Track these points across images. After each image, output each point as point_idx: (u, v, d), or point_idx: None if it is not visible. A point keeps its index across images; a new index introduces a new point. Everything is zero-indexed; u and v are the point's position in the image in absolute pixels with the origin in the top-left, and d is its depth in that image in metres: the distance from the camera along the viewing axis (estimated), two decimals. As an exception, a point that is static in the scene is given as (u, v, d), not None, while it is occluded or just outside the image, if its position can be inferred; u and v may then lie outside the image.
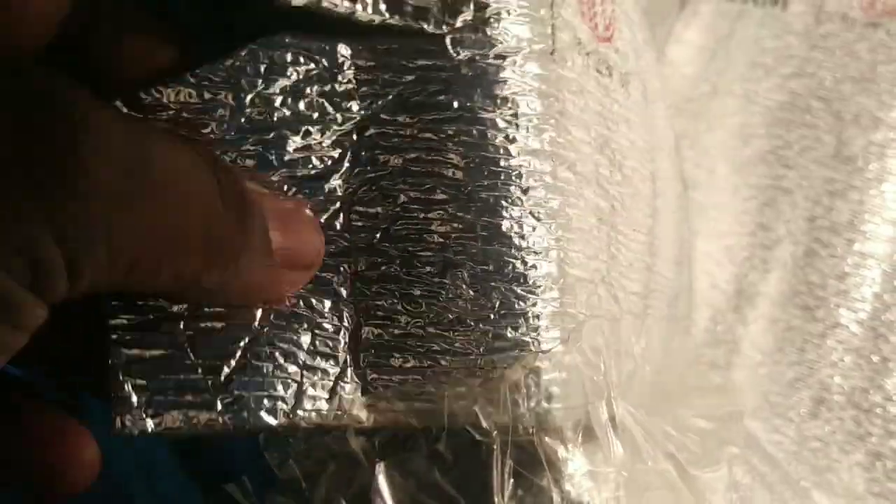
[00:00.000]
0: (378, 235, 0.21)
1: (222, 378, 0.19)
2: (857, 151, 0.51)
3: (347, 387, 0.20)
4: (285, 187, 0.20)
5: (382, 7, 0.21)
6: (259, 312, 0.20)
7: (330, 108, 0.21)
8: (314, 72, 0.21)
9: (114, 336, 0.18)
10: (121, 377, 0.18)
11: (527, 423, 0.20)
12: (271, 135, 0.20)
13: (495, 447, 0.19)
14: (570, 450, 0.19)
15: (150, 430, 0.18)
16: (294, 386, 0.20)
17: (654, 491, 0.20)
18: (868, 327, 0.50)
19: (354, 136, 0.21)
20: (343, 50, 0.21)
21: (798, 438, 0.51)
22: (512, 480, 0.19)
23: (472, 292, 0.21)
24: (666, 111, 0.33)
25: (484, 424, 0.19)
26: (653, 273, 0.29)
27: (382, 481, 0.18)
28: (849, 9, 0.53)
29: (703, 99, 0.56)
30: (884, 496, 0.49)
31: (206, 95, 0.20)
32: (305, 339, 0.20)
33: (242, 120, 0.20)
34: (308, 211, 0.20)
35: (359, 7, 0.20)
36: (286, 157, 0.20)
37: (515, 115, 0.22)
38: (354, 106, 0.21)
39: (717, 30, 0.56)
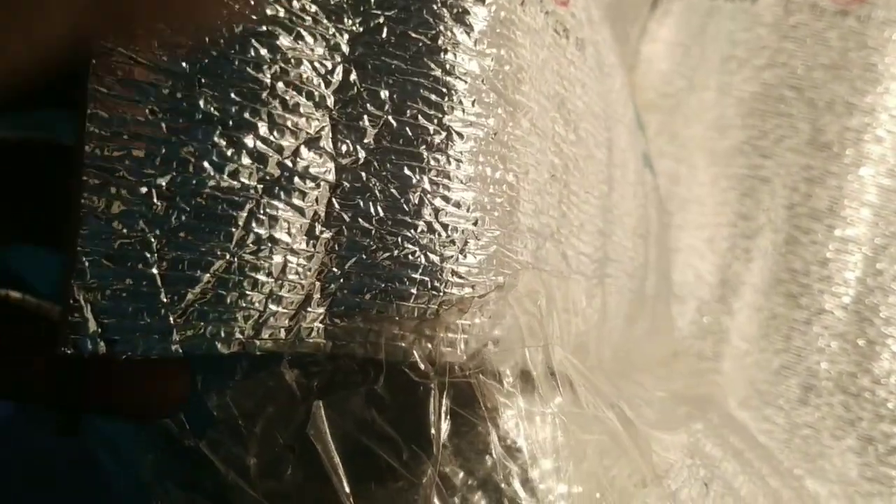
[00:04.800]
0: (361, 157, 0.21)
1: (183, 305, 0.19)
2: (833, 138, 0.51)
3: (309, 316, 0.20)
4: (279, 83, 0.20)
5: None
6: (237, 231, 0.19)
7: (323, 17, 0.20)
8: None
9: (81, 260, 0.18)
10: (80, 298, 0.17)
11: (463, 364, 0.20)
12: (262, 28, 0.20)
13: (433, 387, 0.19)
14: (506, 391, 0.20)
15: (100, 352, 0.18)
16: (255, 315, 0.19)
17: (592, 435, 0.21)
18: (852, 311, 0.50)
19: (346, 50, 0.21)
20: None
21: (788, 426, 0.50)
22: (449, 419, 0.19)
23: (441, 230, 0.21)
24: (624, 88, 0.34)
25: (420, 365, 0.19)
26: (608, 239, 0.29)
27: (320, 418, 0.18)
28: (817, -3, 0.53)
29: (679, 94, 0.56)
30: (877, 480, 0.48)
31: None
32: (277, 265, 0.20)
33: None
34: None
35: None
36: (277, 55, 0.20)
37: (492, 60, 0.22)
38: (346, 20, 0.21)
39: (690, 26, 0.57)
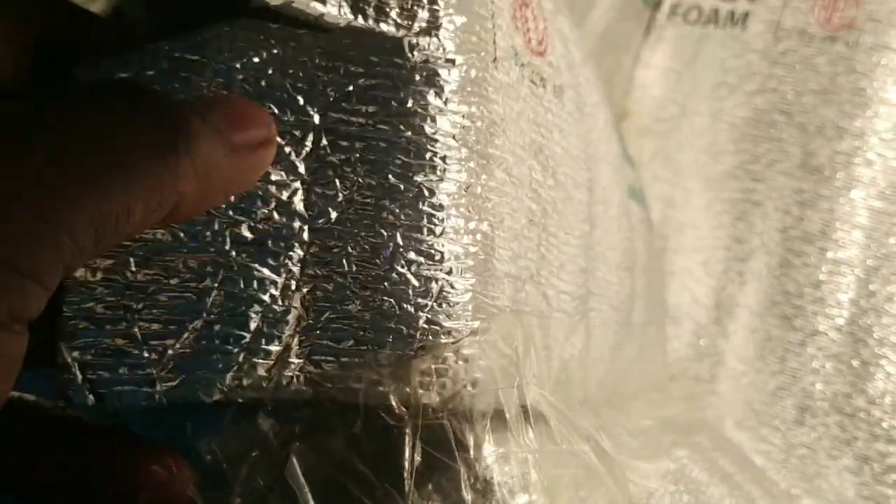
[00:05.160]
0: (333, 217, 0.22)
1: (164, 360, 0.20)
2: (824, 161, 0.52)
3: (288, 365, 0.21)
4: None
5: (347, 10, 0.22)
6: (208, 296, 0.21)
7: (292, 91, 0.22)
8: (279, 55, 0.22)
9: (67, 324, 0.19)
10: (68, 358, 0.19)
11: (437, 406, 0.21)
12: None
13: (406, 429, 0.20)
14: (478, 431, 0.21)
15: (90, 404, 0.19)
16: (235, 367, 0.21)
17: (567, 469, 0.22)
18: (846, 333, 0.50)
19: (317, 119, 0.22)
20: (308, 38, 0.22)
21: (785, 446, 0.51)
22: (421, 459, 0.20)
23: (415, 281, 0.22)
24: (608, 126, 0.35)
25: (396, 409, 0.20)
26: (591, 276, 0.30)
27: (296, 462, 0.19)
28: (806, 25, 0.54)
29: (673, 120, 0.58)
30: (874, 499, 0.49)
31: (174, 66, 0.21)
32: (253, 323, 0.21)
33: (204, 91, 0.21)
34: (243, 97, 0.21)
35: (327, 9, 0.22)
36: None
37: (462, 116, 0.24)
38: (318, 89, 0.22)
39: (682, 53, 0.58)
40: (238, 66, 0.21)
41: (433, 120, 0.23)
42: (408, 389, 0.21)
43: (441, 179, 0.23)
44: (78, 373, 0.20)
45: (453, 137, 0.23)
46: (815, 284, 0.52)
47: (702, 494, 0.31)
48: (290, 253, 0.21)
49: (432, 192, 0.22)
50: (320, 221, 0.22)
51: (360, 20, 0.23)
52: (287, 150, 0.21)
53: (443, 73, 0.23)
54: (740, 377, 0.53)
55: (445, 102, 0.23)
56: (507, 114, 0.25)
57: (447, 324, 0.22)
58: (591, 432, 0.23)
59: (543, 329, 0.26)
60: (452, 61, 0.23)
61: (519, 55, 0.26)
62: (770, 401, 0.52)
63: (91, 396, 0.20)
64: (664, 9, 0.59)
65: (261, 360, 0.21)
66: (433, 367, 0.21)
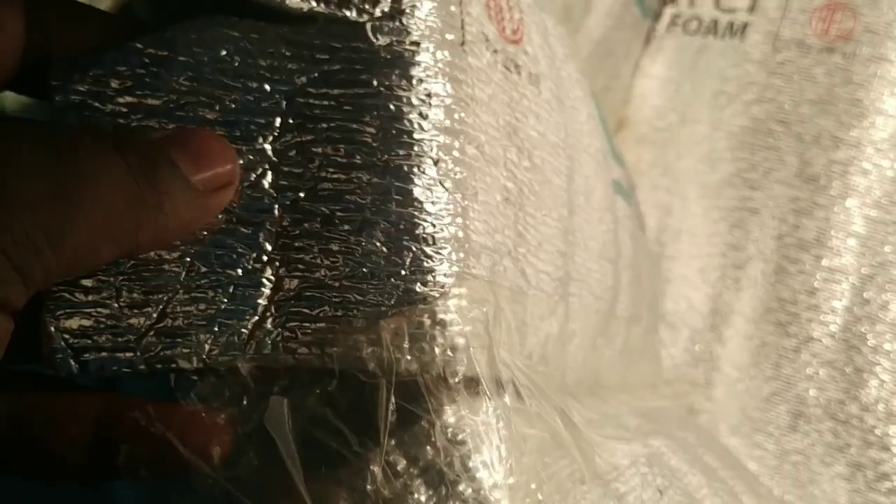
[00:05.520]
0: (302, 194, 0.23)
1: (143, 327, 0.21)
2: (820, 170, 0.53)
3: (265, 334, 0.22)
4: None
5: None
6: (184, 270, 0.22)
7: (259, 80, 0.23)
8: (244, 46, 0.23)
9: (52, 297, 0.21)
10: (51, 329, 0.21)
11: (411, 366, 0.22)
12: (202, 98, 0.23)
13: (381, 385, 0.21)
14: (451, 389, 0.22)
15: (74, 371, 0.21)
16: (212, 336, 0.22)
17: (533, 430, 0.22)
18: (840, 340, 0.51)
19: (284, 104, 0.23)
20: (273, 29, 0.23)
21: (778, 452, 0.51)
22: (395, 414, 0.21)
23: (385, 249, 0.23)
24: (591, 120, 0.36)
25: (370, 367, 0.21)
26: (570, 260, 0.31)
27: (278, 410, 0.20)
28: (804, 35, 0.55)
29: (671, 128, 0.58)
30: (866, 507, 0.49)
31: (145, 63, 0.22)
32: (228, 290, 0.22)
33: (175, 85, 0.22)
34: (211, 133, 0.22)
35: None
36: (221, 118, 0.23)
37: (429, 95, 0.24)
38: (283, 77, 0.23)
39: (682, 62, 0.59)
40: (206, 59, 0.23)
41: (398, 99, 0.24)
42: (383, 351, 0.21)
43: (409, 155, 0.24)
44: (62, 342, 0.21)
45: (420, 114, 0.24)
46: (810, 291, 0.52)
47: (677, 481, 0.31)
48: (262, 228, 0.23)
49: (399, 168, 0.24)
50: (289, 197, 0.23)
51: (323, 6, 0.24)
52: (255, 134, 0.23)
53: (407, 55, 0.24)
54: (735, 383, 0.53)
55: (410, 82, 0.24)
56: (478, 95, 0.26)
57: (420, 289, 0.23)
58: (562, 405, 0.24)
59: (520, 303, 0.26)
60: (417, 43, 0.24)
61: (491, 41, 0.27)
62: (764, 407, 0.52)
63: (75, 364, 0.21)
64: (664, 20, 0.60)
65: (238, 329, 0.22)
66: (407, 331, 0.22)
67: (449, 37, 0.26)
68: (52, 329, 0.21)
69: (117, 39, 0.22)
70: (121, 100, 0.22)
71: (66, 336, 0.21)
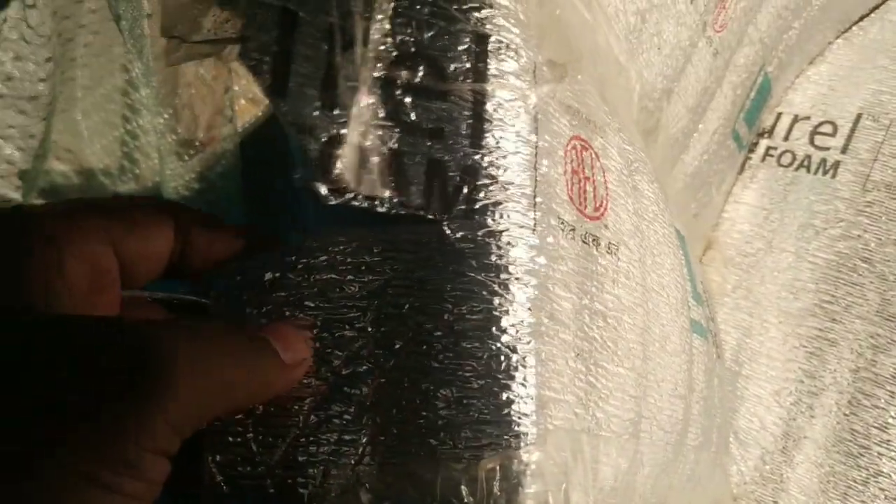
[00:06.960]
0: (392, 363, 0.28)
1: (272, 462, 0.27)
2: (901, 310, 0.55)
3: (362, 468, 0.27)
4: (327, 328, 0.28)
5: (396, 200, 0.28)
6: (307, 416, 0.27)
7: (357, 270, 0.28)
8: (348, 250, 0.28)
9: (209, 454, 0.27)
10: (210, 460, 0.27)
11: (498, 500, 0.26)
12: (316, 290, 0.28)
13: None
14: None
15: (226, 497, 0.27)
16: (320, 477, 0.27)
17: None
18: (910, 478, 0.52)
19: (377, 288, 0.28)
20: (367, 233, 0.29)
21: (840, 583, 0.53)
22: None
23: (458, 406, 0.27)
24: (674, 270, 0.40)
25: (465, 500, 0.26)
26: (642, 401, 0.34)
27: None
28: (894, 179, 0.57)
29: (758, 254, 0.61)
30: None
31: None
32: (334, 437, 0.27)
33: (300, 280, 0.28)
34: (296, 327, 0.28)
35: (377, 200, 0.28)
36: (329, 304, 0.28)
37: (499, 277, 0.29)
38: (377, 269, 0.28)
39: (773, 192, 0.62)
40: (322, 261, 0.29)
41: (473, 283, 0.28)
42: (478, 488, 0.26)
43: (483, 328, 0.28)
44: (218, 475, 0.27)
45: (492, 293, 0.29)
46: (883, 426, 0.53)
47: None
48: (359, 393, 0.28)
49: (473, 339, 0.28)
50: (383, 365, 0.28)
51: (404, 209, 0.29)
52: (354, 318, 0.28)
53: (481, 244, 0.29)
54: (801, 507, 0.55)
55: (486, 269, 0.29)
56: (550, 273, 0.30)
57: (508, 440, 0.28)
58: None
59: (593, 445, 0.31)
60: (492, 235, 0.29)
61: (566, 223, 0.31)
62: (830, 535, 0.54)
63: (227, 488, 0.27)
64: (759, 151, 0.63)
65: (341, 465, 0.27)
66: (497, 467, 0.27)
67: (521, 228, 0.30)
68: (212, 464, 0.27)
69: (246, 248, 0.29)
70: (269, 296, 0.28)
71: (222, 468, 0.27)
